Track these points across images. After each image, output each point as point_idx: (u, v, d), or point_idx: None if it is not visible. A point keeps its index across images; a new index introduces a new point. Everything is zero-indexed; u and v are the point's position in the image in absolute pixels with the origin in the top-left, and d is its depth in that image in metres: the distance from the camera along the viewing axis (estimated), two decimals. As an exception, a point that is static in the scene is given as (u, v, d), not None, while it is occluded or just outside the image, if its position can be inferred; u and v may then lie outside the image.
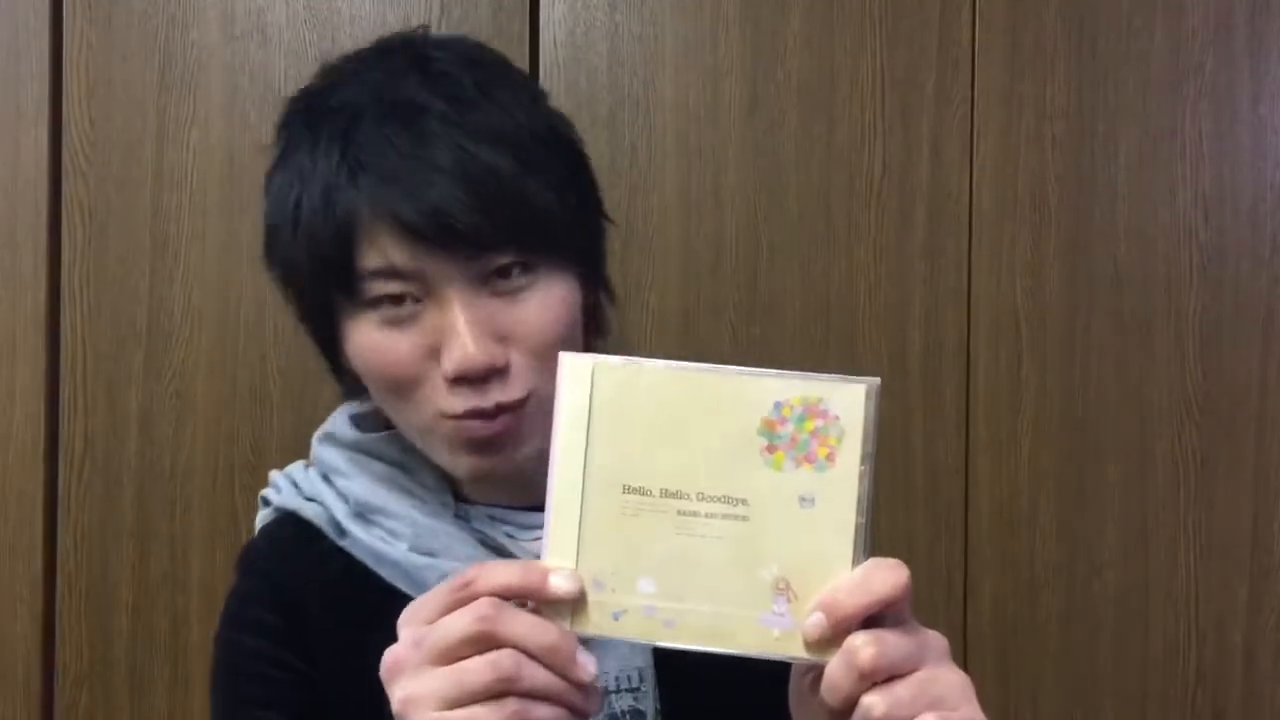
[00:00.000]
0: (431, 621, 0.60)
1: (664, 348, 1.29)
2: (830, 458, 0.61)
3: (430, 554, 0.85)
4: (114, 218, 1.26)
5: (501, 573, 0.60)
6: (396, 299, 0.78)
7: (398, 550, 0.85)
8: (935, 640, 0.62)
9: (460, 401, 0.78)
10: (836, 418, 0.61)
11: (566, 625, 0.61)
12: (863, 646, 0.58)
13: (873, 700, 0.58)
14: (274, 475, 0.96)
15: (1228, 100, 1.33)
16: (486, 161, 0.77)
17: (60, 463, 1.26)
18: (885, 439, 1.30)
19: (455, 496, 0.90)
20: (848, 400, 0.61)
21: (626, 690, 0.87)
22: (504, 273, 0.79)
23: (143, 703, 1.25)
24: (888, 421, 1.30)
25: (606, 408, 0.62)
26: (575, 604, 0.61)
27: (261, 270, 1.23)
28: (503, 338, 0.79)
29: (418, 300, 0.78)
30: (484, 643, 0.59)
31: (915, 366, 1.32)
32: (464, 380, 0.78)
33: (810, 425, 0.61)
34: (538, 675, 0.59)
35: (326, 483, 0.91)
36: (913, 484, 1.31)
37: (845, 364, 1.31)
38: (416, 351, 0.79)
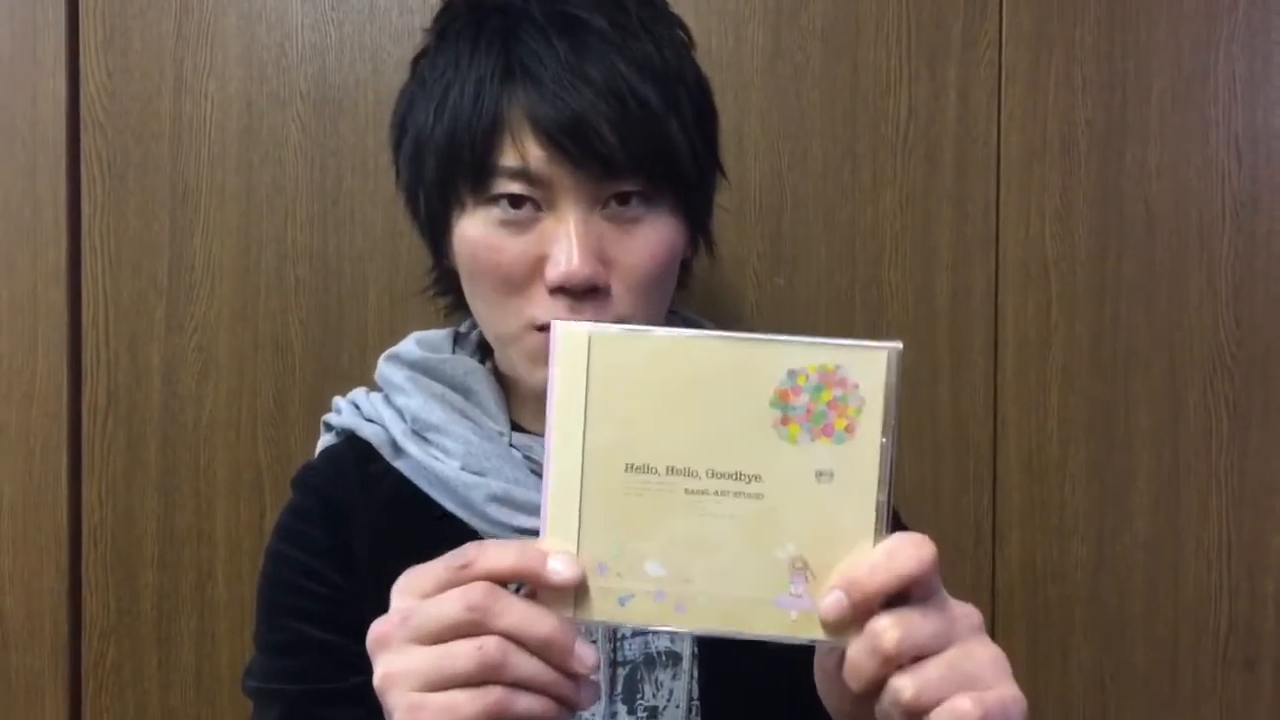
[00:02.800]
0: (426, 595, 0.59)
1: (687, 301, 1.28)
2: (849, 429, 0.57)
3: (480, 473, 0.86)
4: (133, 169, 1.25)
5: (500, 555, 0.58)
6: (517, 201, 0.80)
7: (449, 468, 0.86)
8: (966, 615, 0.59)
9: (553, 310, 0.80)
10: (855, 386, 0.57)
11: (569, 612, 0.59)
12: (887, 629, 0.56)
13: (901, 684, 0.56)
14: (337, 400, 0.99)
15: (1262, 40, 1.30)
16: (635, 87, 0.79)
17: (83, 417, 1.26)
18: (913, 388, 1.29)
19: (514, 426, 0.92)
20: (867, 367, 0.57)
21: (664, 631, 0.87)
22: (624, 199, 0.81)
23: (170, 656, 1.25)
24: (915, 371, 1.29)
25: (605, 380, 0.58)
26: (579, 589, 0.58)
27: (280, 221, 1.25)
28: (608, 261, 0.80)
29: (537, 208, 0.80)
30: (474, 630, 0.57)
31: (943, 314, 1.30)
32: (563, 291, 0.79)
33: (827, 395, 0.57)
34: (524, 665, 0.57)
35: (387, 403, 0.93)
36: (940, 433, 1.30)
37: (871, 313, 1.29)
38: (525, 257, 0.81)
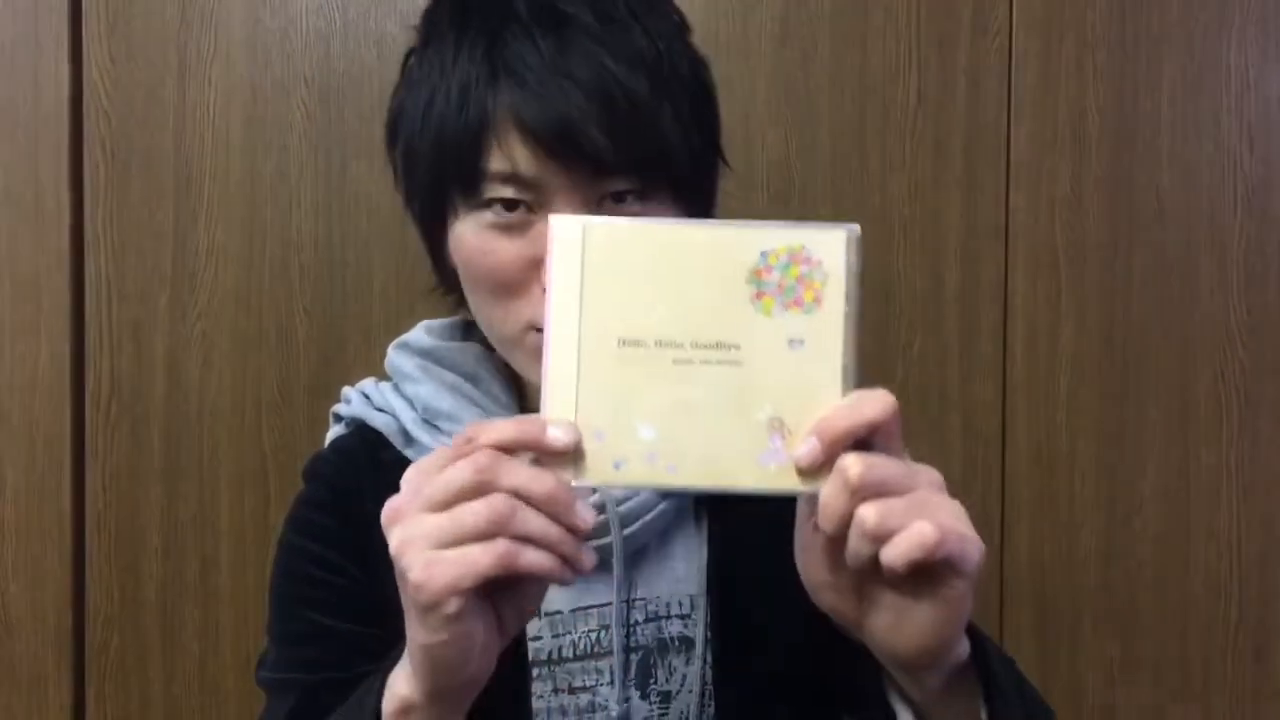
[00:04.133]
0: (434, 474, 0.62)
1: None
2: (816, 300, 0.63)
3: None
4: (136, 156, 1.25)
5: (501, 427, 0.61)
6: (510, 204, 0.79)
7: None
8: (928, 472, 0.62)
9: None
10: (820, 263, 0.63)
11: (569, 476, 0.62)
12: (853, 463, 0.59)
13: (865, 512, 0.58)
14: (346, 390, 0.98)
15: (1274, 27, 1.30)
16: (624, 82, 0.77)
17: (87, 405, 1.25)
18: (920, 376, 1.28)
19: (522, 412, 0.91)
20: (829, 246, 0.63)
21: (677, 616, 0.87)
22: (619, 198, 0.79)
23: (173, 644, 1.25)
24: (922, 360, 1.29)
25: (599, 265, 0.63)
26: (576, 455, 0.63)
27: (285, 208, 1.24)
28: None
29: (530, 210, 0.79)
30: (482, 491, 0.60)
31: (951, 302, 1.29)
32: None
33: (795, 271, 0.63)
34: (531, 519, 0.60)
35: (397, 392, 0.93)
36: (949, 422, 1.29)
37: (880, 300, 1.29)
38: (521, 259, 0.80)
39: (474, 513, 0.59)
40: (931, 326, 1.29)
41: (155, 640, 1.25)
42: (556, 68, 0.77)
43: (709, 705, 0.86)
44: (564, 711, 0.85)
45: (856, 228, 0.63)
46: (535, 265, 0.79)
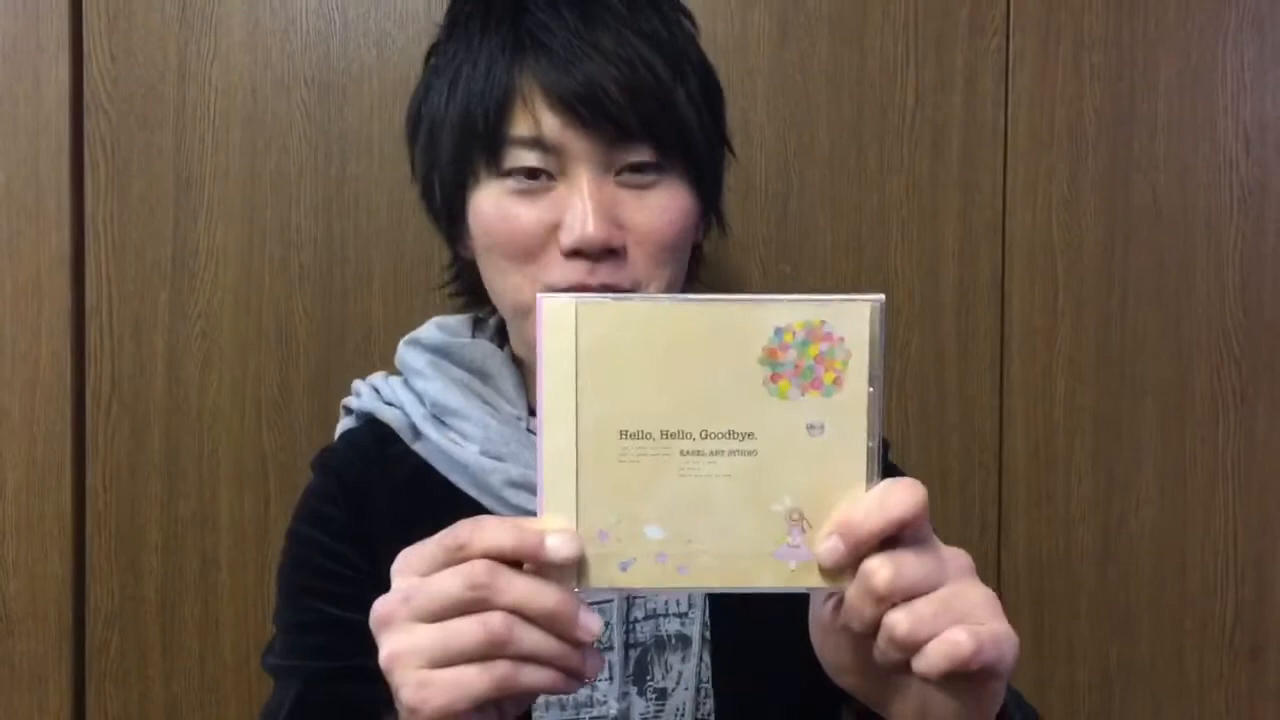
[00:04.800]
0: (424, 574, 0.58)
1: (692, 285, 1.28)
2: (837, 382, 0.59)
3: (499, 458, 0.87)
4: (137, 155, 1.25)
5: (496, 535, 0.58)
6: (532, 172, 0.82)
7: (467, 452, 0.87)
8: (957, 557, 0.60)
9: (570, 273, 0.80)
10: (841, 339, 0.59)
11: (572, 582, 0.59)
12: (879, 567, 0.57)
13: (895, 619, 0.56)
14: (356, 383, 1.00)
15: (1270, 28, 1.30)
16: (644, 56, 0.81)
17: (87, 404, 1.25)
18: (918, 376, 1.29)
19: (530, 410, 0.92)
20: (852, 320, 0.59)
21: (674, 614, 0.88)
22: (636, 168, 0.82)
23: (174, 642, 1.25)
24: (920, 359, 1.29)
25: (594, 350, 0.59)
26: (579, 559, 0.59)
27: (285, 207, 1.24)
28: (622, 225, 0.82)
29: (551, 177, 0.82)
30: (476, 607, 0.57)
31: (949, 303, 1.30)
32: (579, 255, 0.80)
33: (814, 350, 0.59)
34: (529, 638, 0.57)
35: (406, 387, 0.94)
36: (946, 421, 1.29)
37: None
38: (540, 224, 0.82)
39: (469, 632, 0.56)
40: (928, 326, 1.29)
41: (155, 638, 1.25)
42: (581, 36, 0.80)
43: (705, 703, 0.87)
44: (562, 706, 0.86)
45: (881, 298, 0.59)
46: (553, 230, 0.81)
